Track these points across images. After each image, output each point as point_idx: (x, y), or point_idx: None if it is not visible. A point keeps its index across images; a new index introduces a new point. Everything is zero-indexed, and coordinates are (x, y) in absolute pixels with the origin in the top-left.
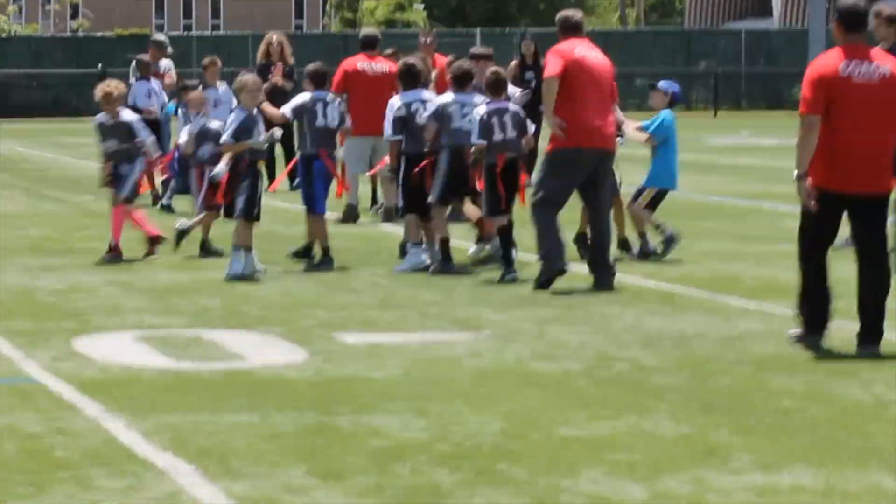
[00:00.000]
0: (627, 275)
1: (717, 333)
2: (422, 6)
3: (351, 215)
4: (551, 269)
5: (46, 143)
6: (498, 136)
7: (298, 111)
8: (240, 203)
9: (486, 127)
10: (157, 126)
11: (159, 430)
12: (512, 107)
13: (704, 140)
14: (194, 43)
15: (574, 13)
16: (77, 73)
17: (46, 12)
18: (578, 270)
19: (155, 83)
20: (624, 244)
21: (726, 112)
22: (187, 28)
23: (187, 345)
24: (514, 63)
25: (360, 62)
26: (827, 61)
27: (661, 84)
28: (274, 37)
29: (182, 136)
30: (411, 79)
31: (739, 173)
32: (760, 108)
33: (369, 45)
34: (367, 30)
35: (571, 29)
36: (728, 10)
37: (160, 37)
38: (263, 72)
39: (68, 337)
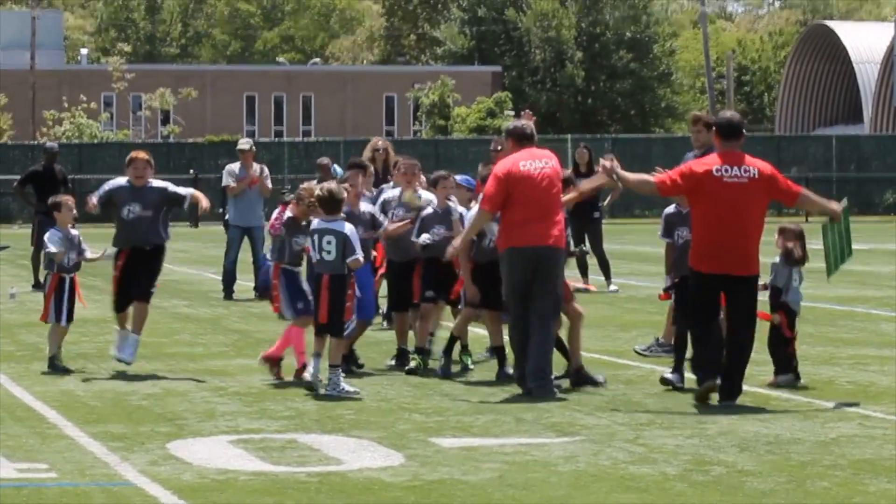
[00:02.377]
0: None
1: (813, 437)
2: (512, 113)
3: None
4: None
5: None
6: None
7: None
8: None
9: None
10: None
11: None
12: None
13: None
14: (285, 149)
15: (528, 125)
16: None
17: (137, 119)
18: (668, 371)
19: None
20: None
21: (817, 217)
22: (278, 134)
23: (283, 448)
24: (568, 171)
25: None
26: (706, 162)
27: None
28: (379, 142)
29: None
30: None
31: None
32: (852, 213)
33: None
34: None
35: (527, 139)
36: (819, 116)
37: (247, 142)
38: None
39: (164, 441)
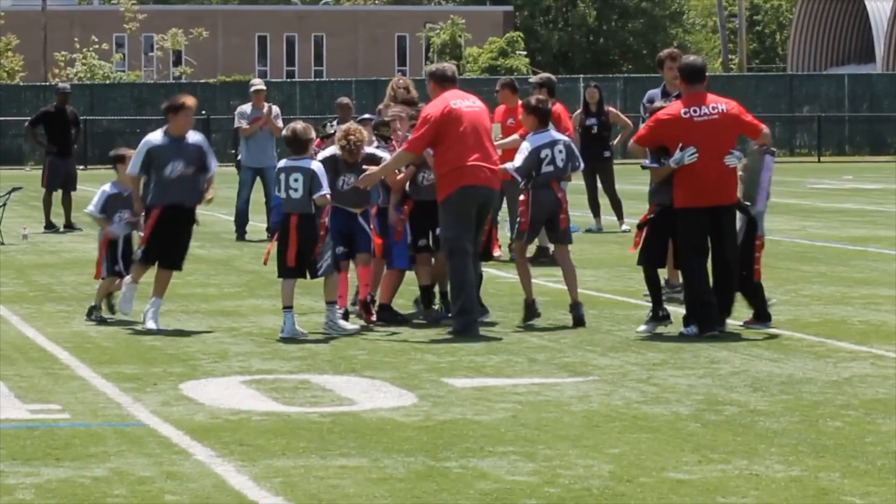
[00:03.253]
0: (734, 319)
1: (826, 377)
2: (524, 53)
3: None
4: (469, 322)
5: None
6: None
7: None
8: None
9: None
10: None
11: (269, 475)
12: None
13: (808, 184)
14: (297, 89)
15: (449, 67)
16: None
17: (149, 59)
18: (679, 311)
19: None
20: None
21: (829, 157)
22: (290, 75)
23: (296, 389)
24: (578, 111)
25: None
26: (670, 110)
27: None
28: (401, 80)
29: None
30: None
31: (843, 218)
32: (864, 152)
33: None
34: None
35: (449, 81)
36: (831, 55)
37: (259, 83)
38: None
39: (176, 382)
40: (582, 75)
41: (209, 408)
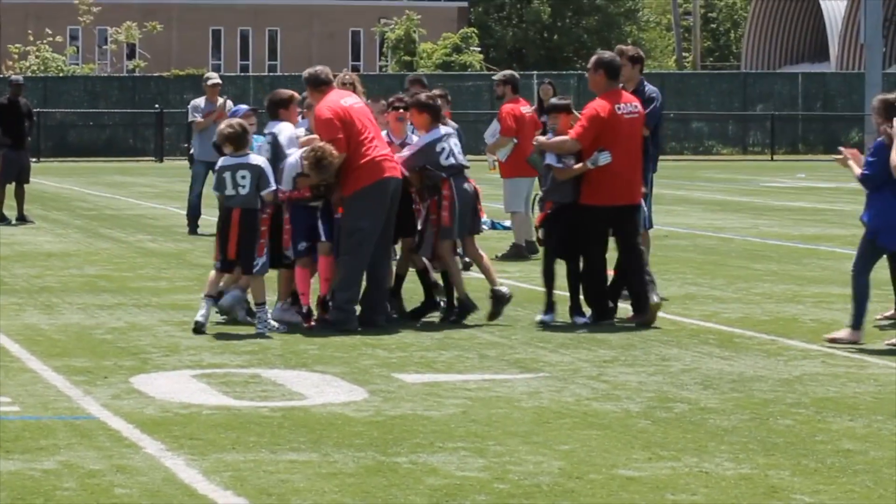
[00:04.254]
0: (685, 317)
1: (776, 375)
2: (478, 49)
3: (518, 254)
4: (348, 322)
5: (102, 182)
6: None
7: None
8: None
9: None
10: None
11: (219, 469)
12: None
13: (761, 182)
14: (251, 83)
15: (323, 70)
16: (133, 113)
17: (103, 53)
18: (630, 308)
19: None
20: None
21: (783, 155)
22: (244, 69)
23: (246, 383)
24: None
25: (523, 106)
26: (601, 105)
27: None
28: (346, 75)
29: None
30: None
31: (796, 216)
32: (817, 151)
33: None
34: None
35: (325, 84)
36: (785, 53)
37: (214, 76)
38: None
39: (127, 375)
40: (536, 72)
41: (159, 401)
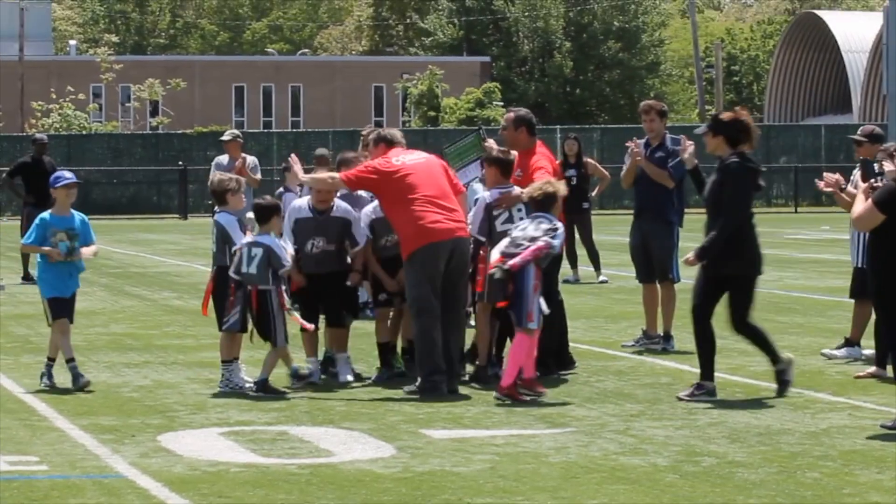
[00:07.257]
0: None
1: (804, 428)
2: (501, 104)
3: None
4: (435, 391)
5: (126, 240)
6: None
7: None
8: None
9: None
10: None
11: None
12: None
13: (785, 235)
14: (275, 139)
15: (391, 132)
16: (157, 171)
17: (126, 110)
18: (657, 363)
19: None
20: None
21: (806, 207)
22: (267, 125)
23: (274, 441)
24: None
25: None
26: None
27: None
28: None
29: None
30: None
31: (821, 268)
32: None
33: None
34: None
35: (389, 142)
36: (808, 105)
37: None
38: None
39: (154, 433)
40: (559, 126)
41: (187, 459)
